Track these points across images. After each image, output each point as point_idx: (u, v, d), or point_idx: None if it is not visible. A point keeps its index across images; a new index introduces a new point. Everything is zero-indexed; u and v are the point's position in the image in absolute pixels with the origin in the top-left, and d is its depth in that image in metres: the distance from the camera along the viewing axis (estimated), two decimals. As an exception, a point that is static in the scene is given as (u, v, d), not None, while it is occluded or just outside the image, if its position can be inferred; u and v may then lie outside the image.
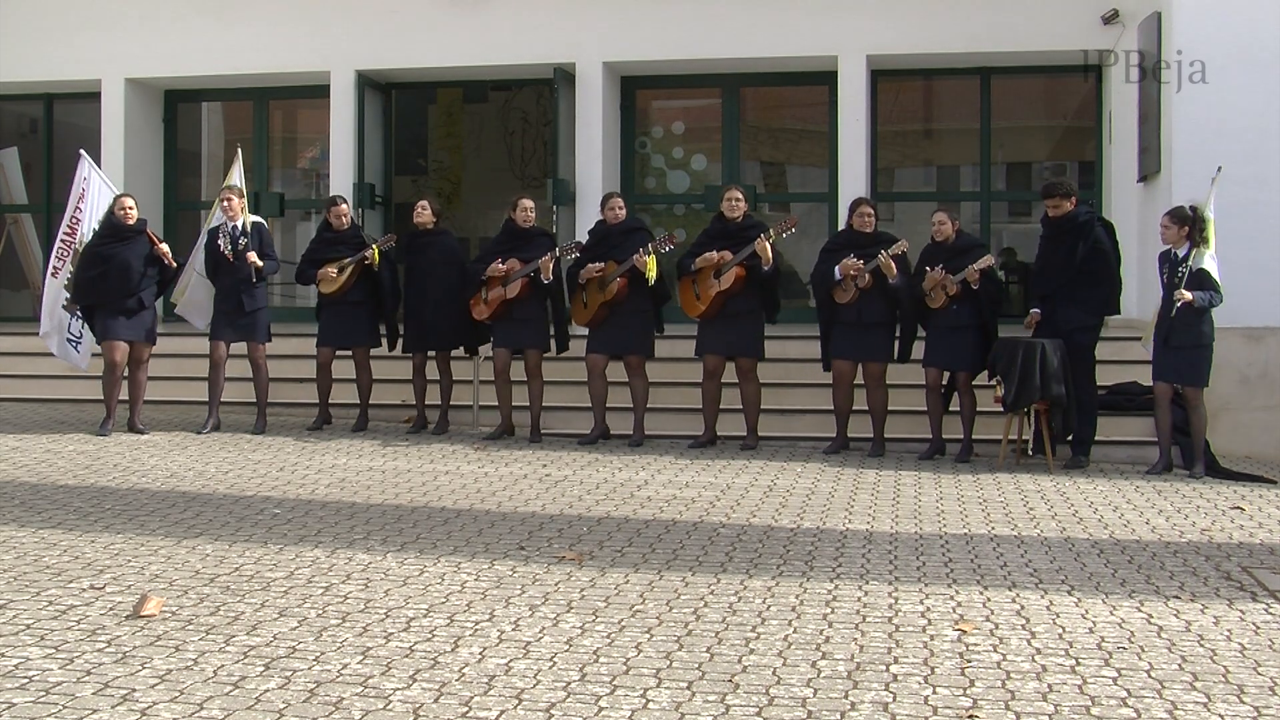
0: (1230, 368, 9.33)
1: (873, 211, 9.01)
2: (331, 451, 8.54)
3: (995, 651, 4.28)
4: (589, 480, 7.58)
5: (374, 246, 9.49)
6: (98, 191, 9.97)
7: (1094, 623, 4.65)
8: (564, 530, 6.15)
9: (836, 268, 8.74)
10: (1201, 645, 4.40)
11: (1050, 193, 8.59)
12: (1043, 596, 5.03)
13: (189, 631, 4.36)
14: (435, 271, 9.43)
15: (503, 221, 9.70)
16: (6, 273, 14.21)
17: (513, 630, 4.44)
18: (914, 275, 8.85)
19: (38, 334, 10.22)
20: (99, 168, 10.66)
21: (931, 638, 4.42)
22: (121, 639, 4.26)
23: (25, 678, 3.86)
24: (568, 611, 4.69)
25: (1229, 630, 4.59)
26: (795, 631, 4.47)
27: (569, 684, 3.88)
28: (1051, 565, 5.59)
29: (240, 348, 9.46)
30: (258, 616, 4.56)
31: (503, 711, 3.64)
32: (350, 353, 9.63)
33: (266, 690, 3.78)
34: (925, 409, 8.83)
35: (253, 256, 9.27)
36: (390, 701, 3.71)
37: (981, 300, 8.61)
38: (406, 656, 4.13)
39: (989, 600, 4.96)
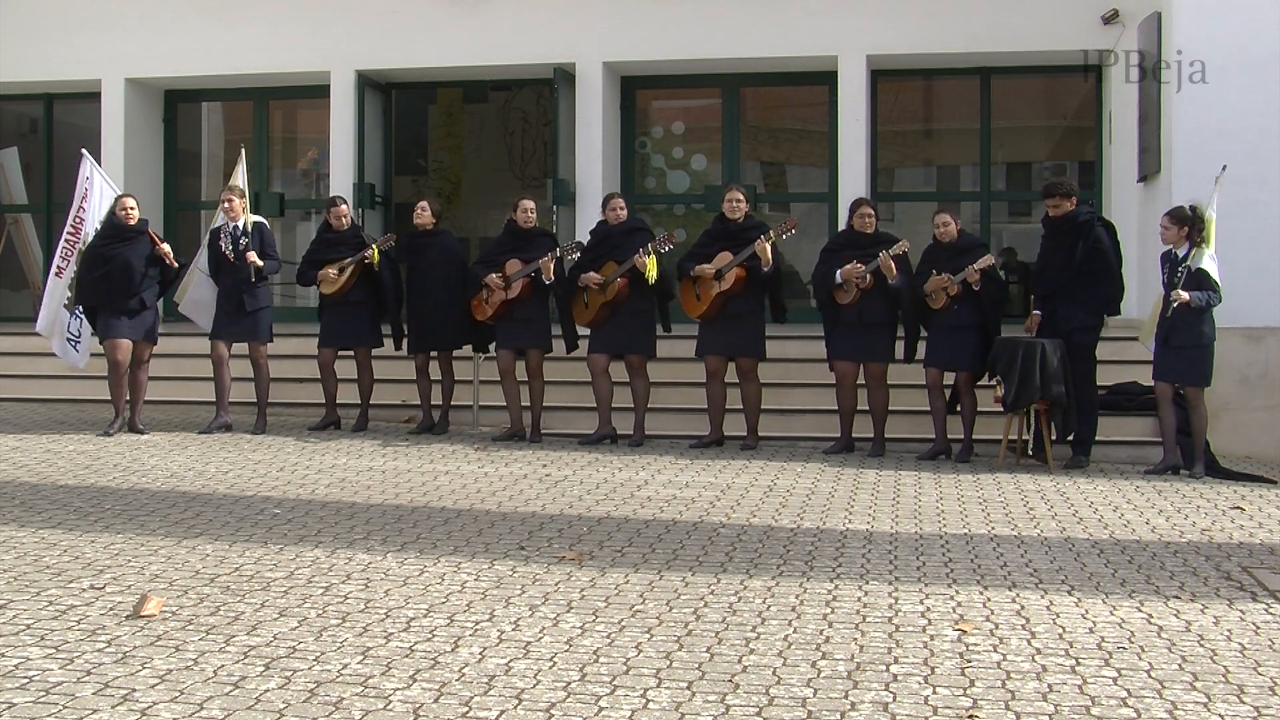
0: (1230, 368, 9.34)
1: (873, 212, 9.01)
2: (331, 451, 8.54)
3: (995, 651, 4.28)
4: (589, 480, 7.58)
5: (374, 246, 9.49)
6: (100, 191, 9.98)
7: (1094, 623, 4.65)
8: (564, 530, 6.15)
9: (839, 272, 8.73)
10: (1201, 645, 4.40)
11: (1051, 192, 8.60)
12: (1043, 596, 5.03)
13: (189, 631, 4.36)
14: (436, 272, 9.43)
15: (504, 222, 9.70)
16: (6, 273, 14.22)
17: (513, 630, 4.44)
18: (915, 275, 8.85)
19: (37, 330, 10.20)
20: (100, 167, 10.66)
21: (931, 638, 4.42)
22: (121, 639, 4.26)
23: (25, 678, 3.86)
24: (568, 611, 4.69)
25: (1229, 630, 4.59)
26: (795, 631, 4.47)
27: (569, 684, 3.88)
28: (1051, 565, 5.59)
29: (242, 347, 9.46)
30: (258, 616, 4.56)
31: (503, 711, 3.64)
32: (351, 353, 9.63)
33: (266, 690, 3.78)
34: (926, 409, 8.83)
35: (253, 256, 9.28)
36: (390, 701, 3.71)
37: (982, 300, 8.62)
38: (406, 656, 4.13)
39: (989, 600, 4.96)
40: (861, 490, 7.43)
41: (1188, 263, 8.26)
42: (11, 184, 13.99)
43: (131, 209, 9.28)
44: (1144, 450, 8.86)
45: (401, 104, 13.69)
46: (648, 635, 4.40)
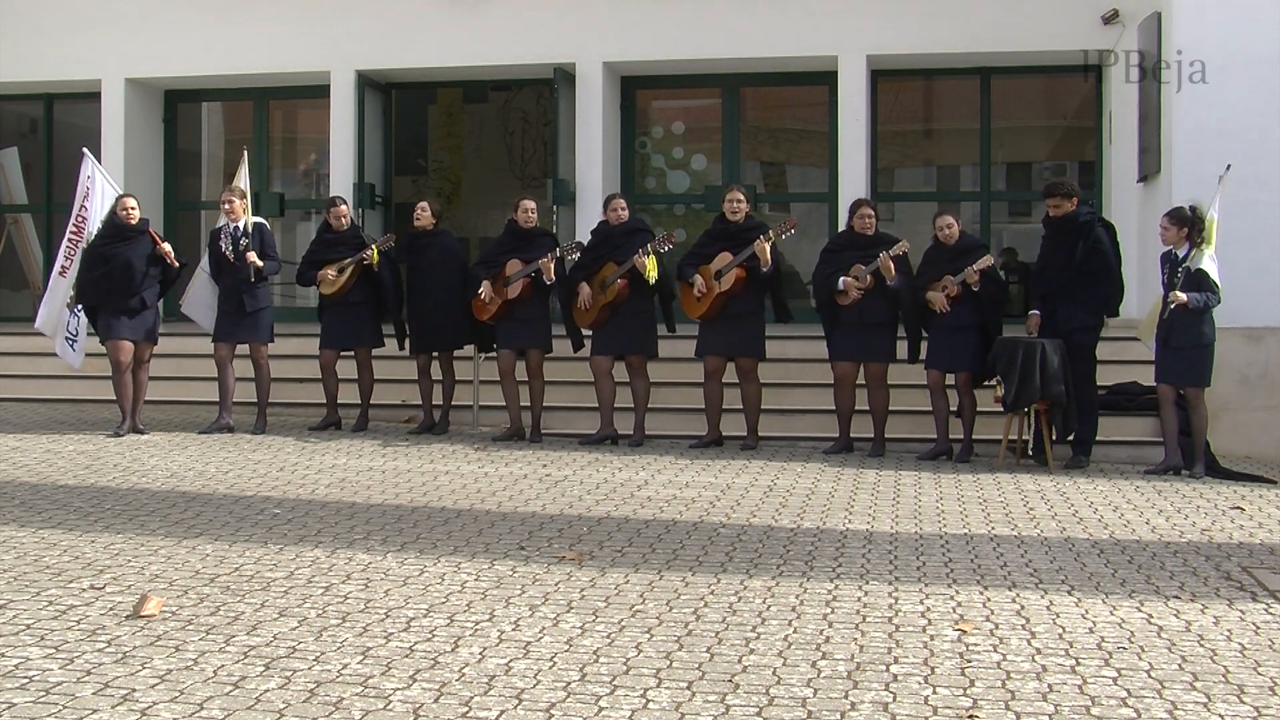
0: (1230, 368, 9.34)
1: (873, 213, 9.01)
2: (331, 451, 8.54)
3: (995, 651, 4.28)
4: (589, 480, 7.58)
5: (373, 247, 9.49)
6: (102, 190, 9.98)
7: (1094, 623, 4.65)
8: (564, 530, 6.15)
9: (842, 281, 8.72)
10: (1201, 645, 4.40)
11: (1051, 192, 8.60)
12: (1043, 596, 5.03)
13: (189, 631, 4.36)
14: (436, 272, 9.43)
15: (505, 222, 9.69)
16: (6, 273, 14.22)
17: (513, 630, 4.44)
18: (917, 277, 8.85)
19: (36, 328, 10.19)
20: (101, 166, 10.66)
21: (931, 638, 4.42)
22: (121, 639, 4.26)
23: (25, 678, 3.86)
24: (568, 611, 4.69)
25: (1229, 630, 4.59)
26: (795, 631, 4.47)
27: (569, 684, 3.88)
28: (1051, 565, 5.59)
29: (243, 348, 9.46)
30: (258, 616, 4.56)
31: (503, 711, 3.64)
32: (352, 353, 9.63)
33: (266, 690, 3.78)
34: (926, 409, 8.83)
35: (252, 257, 9.27)
36: (390, 701, 3.71)
37: (982, 301, 8.62)
38: (406, 656, 4.13)
39: (989, 600, 4.96)
40: (861, 490, 7.43)
41: (1187, 263, 8.25)
42: (11, 184, 13.99)
43: (132, 209, 9.29)
44: (1144, 450, 8.87)
45: (401, 104, 13.69)
46: (648, 635, 4.40)
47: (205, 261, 9.80)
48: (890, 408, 8.97)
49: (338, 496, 6.96)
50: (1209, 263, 8.27)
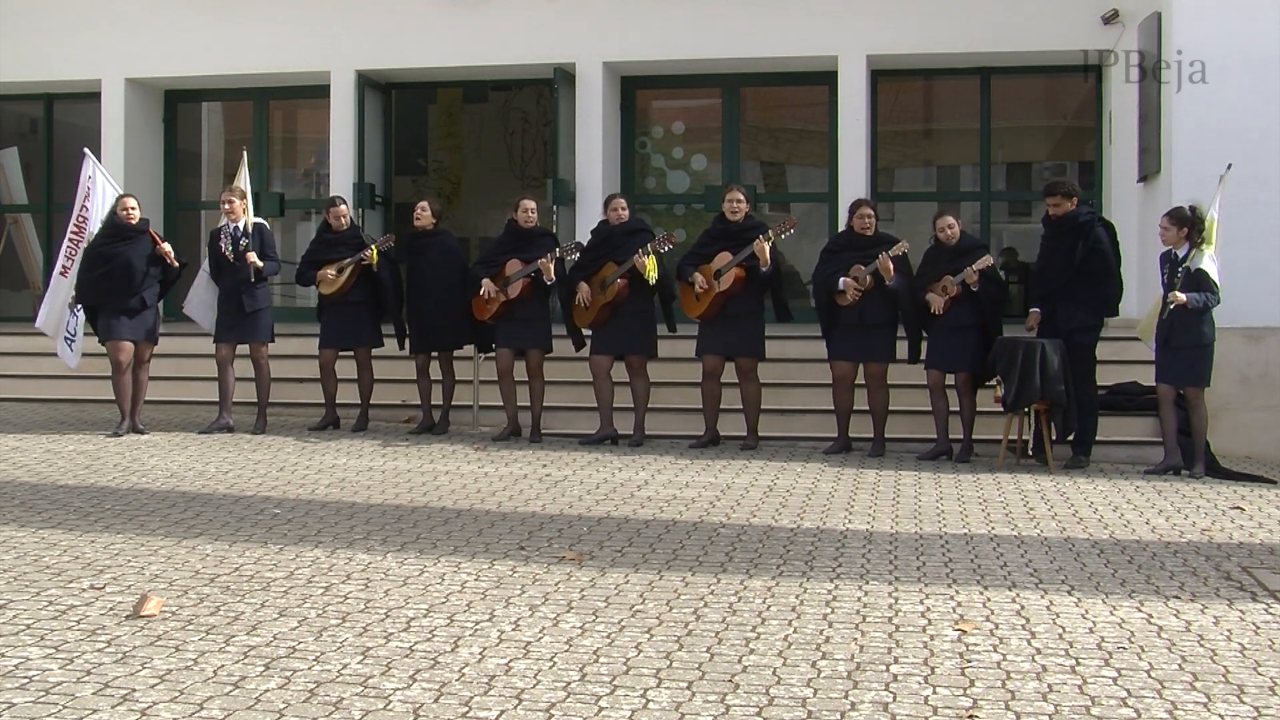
0: (1230, 368, 9.34)
1: (873, 213, 9.01)
2: (331, 451, 8.54)
3: (995, 651, 4.28)
4: (589, 480, 7.58)
5: (372, 247, 9.49)
6: (103, 190, 9.98)
7: (1094, 623, 4.65)
8: (564, 530, 6.15)
9: (842, 281, 8.72)
10: (1201, 645, 4.40)
11: (1052, 191, 8.59)
12: (1043, 596, 5.03)
13: (189, 631, 4.36)
14: (436, 272, 9.43)
15: (505, 222, 9.69)
16: (6, 273, 14.22)
17: (513, 630, 4.44)
18: (916, 277, 8.85)
19: (37, 327, 10.20)
20: (102, 166, 10.66)
21: (931, 638, 4.42)
22: (121, 639, 4.26)
23: (25, 678, 3.86)
24: (568, 611, 4.69)
25: (1229, 630, 4.59)
26: (795, 631, 4.47)
27: (569, 684, 3.88)
28: (1051, 565, 5.59)
29: (243, 348, 9.46)
30: (258, 616, 4.56)
31: (503, 711, 3.64)
32: (351, 353, 9.63)
33: (266, 690, 3.78)
34: (926, 409, 8.83)
35: (252, 257, 9.28)
36: (390, 701, 3.71)
37: (982, 301, 8.62)
38: (406, 656, 4.13)
39: (989, 600, 4.96)
40: (861, 490, 7.43)
41: (1187, 263, 8.25)
42: (11, 184, 13.99)
43: (132, 209, 9.29)
44: (1144, 450, 8.87)
45: (401, 104, 13.69)
46: (648, 635, 4.40)
47: (207, 263, 9.81)
48: (890, 408, 8.97)
49: (338, 496, 6.96)
50: (1209, 263, 8.27)
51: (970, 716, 3.65)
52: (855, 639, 4.38)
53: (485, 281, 9.09)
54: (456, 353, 9.56)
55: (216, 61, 12.50)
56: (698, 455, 8.63)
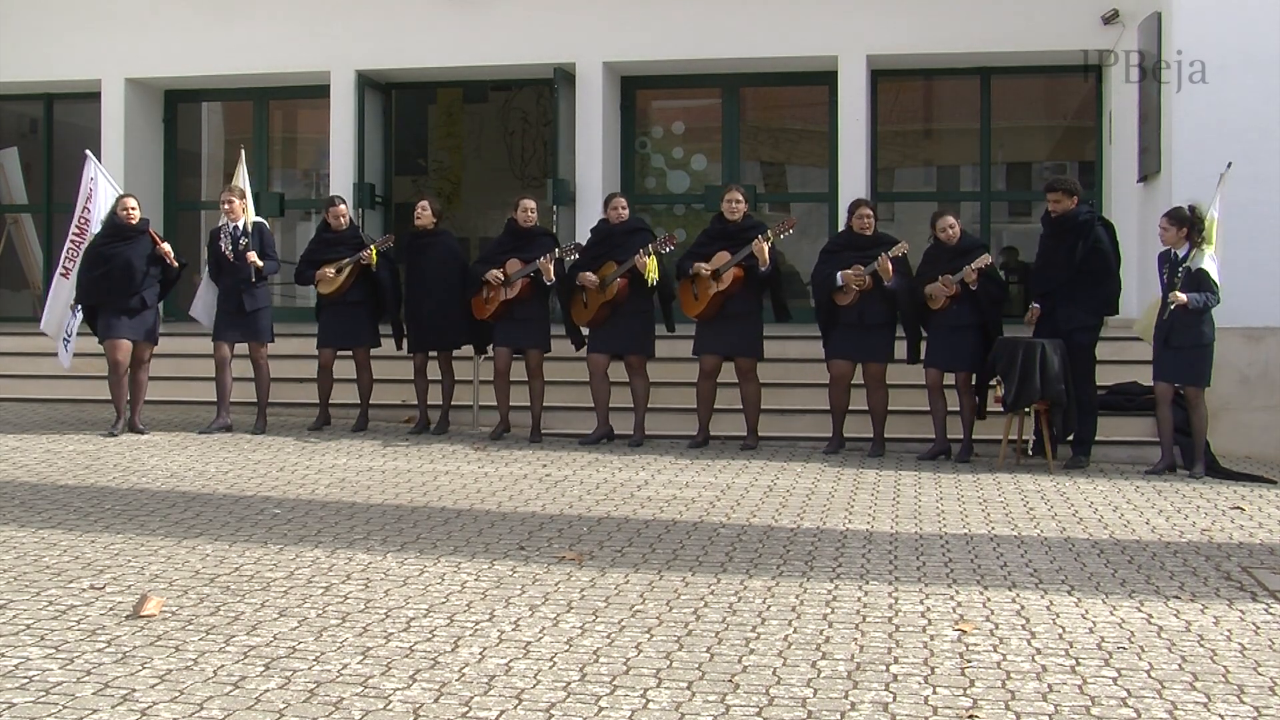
0: (1230, 368, 9.34)
1: (872, 213, 9.01)
2: (331, 451, 8.54)
3: (995, 651, 4.28)
4: (589, 480, 7.58)
5: (372, 247, 9.49)
6: (104, 192, 9.98)
7: (1094, 623, 4.65)
8: (564, 530, 6.15)
9: (840, 275, 8.72)
10: (1201, 645, 4.40)
11: (1053, 187, 8.58)
12: (1043, 596, 5.04)
13: (189, 631, 4.36)
14: (436, 272, 9.43)
15: (504, 222, 9.69)
16: (6, 273, 14.22)
17: (513, 630, 4.44)
18: (916, 277, 8.85)
19: (39, 329, 10.21)
20: (103, 167, 10.66)
21: (931, 638, 4.42)
22: (121, 639, 4.26)
23: (25, 678, 3.86)
24: (568, 611, 4.69)
25: (1229, 630, 4.59)
26: (795, 631, 4.47)
27: (569, 684, 3.88)
28: (1051, 565, 5.59)
29: (242, 347, 9.46)
30: (258, 616, 4.56)
31: (503, 711, 3.64)
32: (350, 353, 9.63)
33: (266, 690, 3.78)
34: (925, 409, 8.83)
35: (253, 256, 9.28)
36: (390, 701, 3.71)
37: (981, 300, 8.61)
38: (406, 656, 4.13)
39: (989, 600, 4.96)
40: (861, 490, 7.43)
41: (1188, 263, 8.25)
42: (11, 184, 13.99)
43: (132, 209, 9.29)
44: (1144, 450, 8.86)
45: (401, 104, 13.68)
46: (648, 635, 4.40)
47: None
48: (890, 408, 8.96)
49: (338, 496, 6.96)
50: (1209, 262, 8.27)
51: (970, 716, 3.65)
52: (855, 639, 4.38)
53: (492, 272, 9.07)
54: (455, 352, 9.56)
55: (216, 61, 12.50)
56: (698, 455, 8.63)
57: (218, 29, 12.41)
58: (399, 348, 9.71)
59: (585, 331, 9.23)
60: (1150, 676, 4.04)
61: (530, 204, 9.36)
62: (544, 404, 9.34)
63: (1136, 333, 9.33)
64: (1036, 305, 8.63)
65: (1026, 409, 8.44)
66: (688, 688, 3.86)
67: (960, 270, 8.51)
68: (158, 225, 11.94)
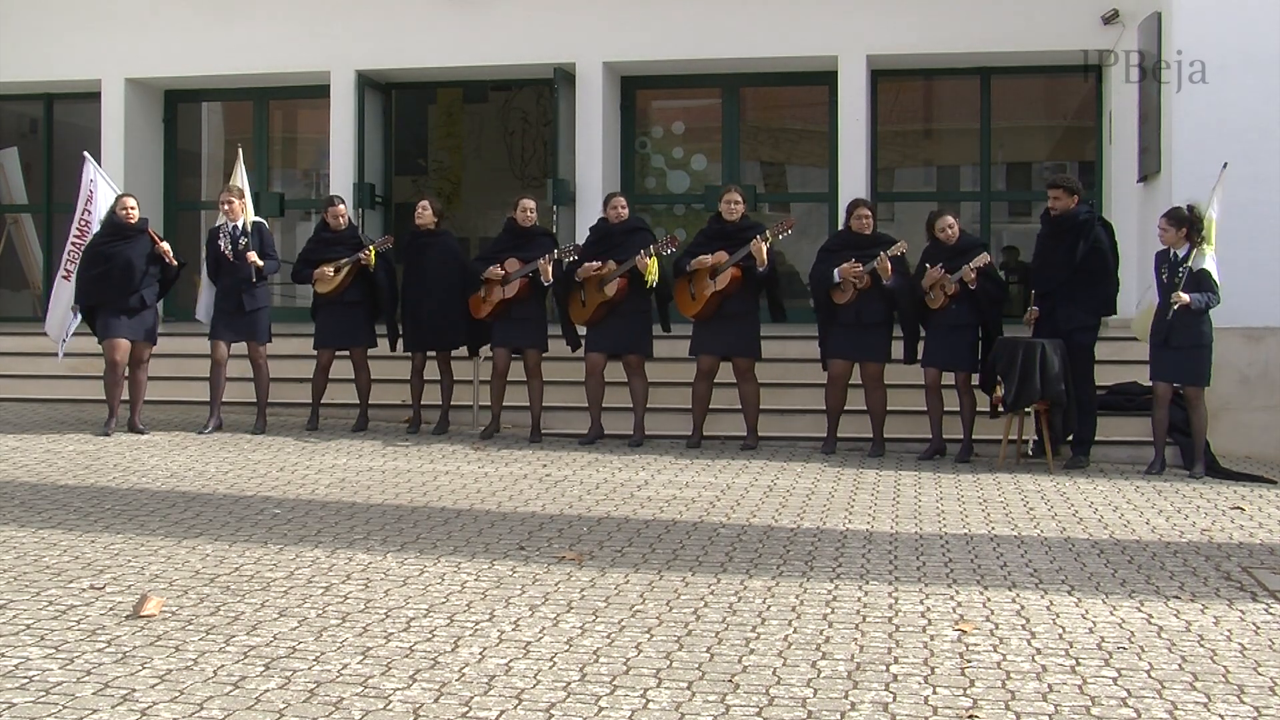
0: (1230, 368, 9.33)
1: (870, 213, 9.01)
2: (331, 451, 8.54)
3: (995, 651, 4.28)
4: (589, 480, 7.58)
5: (371, 248, 9.48)
6: (104, 193, 9.99)
7: (1094, 623, 4.65)
8: (564, 530, 6.15)
9: (836, 271, 8.73)
10: (1201, 645, 4.40)
11: (1055, 184, 8.57)
12: (1043, 596, 5.04)
13: (189, 631, 4.36)
14: (436, 272, 9.43)
15: (504, 221, 9.69)
16: (6, 273, 14.21)
17: (513, 630, 4.44)
18: (914, 276, 8.85)
19: (43, 330, 10.22)
20: (102, 170, 10.67)
21: (931, 638, 4.42)
22: (121, 639, 4.26)
23: (25, 678, 3.86)
24: (568, 611, 4.69)
25: (1229, 630, 4.59)
26: (795, 631, 4.47)
27: (569, 684, 3.88)
28: (1051, 565, 5.59)
29: (241, 348, 9.46)
30: (258, 616, 4.56)
31: (503, 711, 3.64)
32: (347, 353, 9.63)
33: (266, 690, 3.78)
34: (925, 409, 8.82)
35: (253, 256, 9.28)
36: (390, 701, 3.71)
37: (980, 300, 8.61)
38: (406, 656, 4.13)
39: (989, 600, 4.96)
40: (861, 490, 7.43)
41: (1188, 263, 8.24)
42: (11, 184, 13.99)
43: (132, 208, 9.29)
44: (1144, 450, 8.85)
45: (401, 104, 13.68)
46: (648, 635, 4.40)
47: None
48: (889, 408, 8.96)
49: (338, 496, 6.96)
50: (1210, 263, 8.27)
51: (970, 716, 3.65)
52: (855, 639, 4.38)
53: (494, 268, 9.07)
54: (454, 352, 9.57)
55: (216, 61, 12.49)
56: (697, 455, 8.64)
57: (218, 29, 12.41)
58: (392, 349, 9.71)
59: (582, 331, 9.23)
60: (1150, 676, 4.04)
61: (530, 204, 9.36)
62: (543, 404, 9.34)
63: (1133, 332, 9.33)
64: (1035, 308, 8.61)
65: (1027, 409, 8.44)
66: (688, 688, 3.86)
67: (959, 270, 8.51)
68: (158, 225, 11.95)
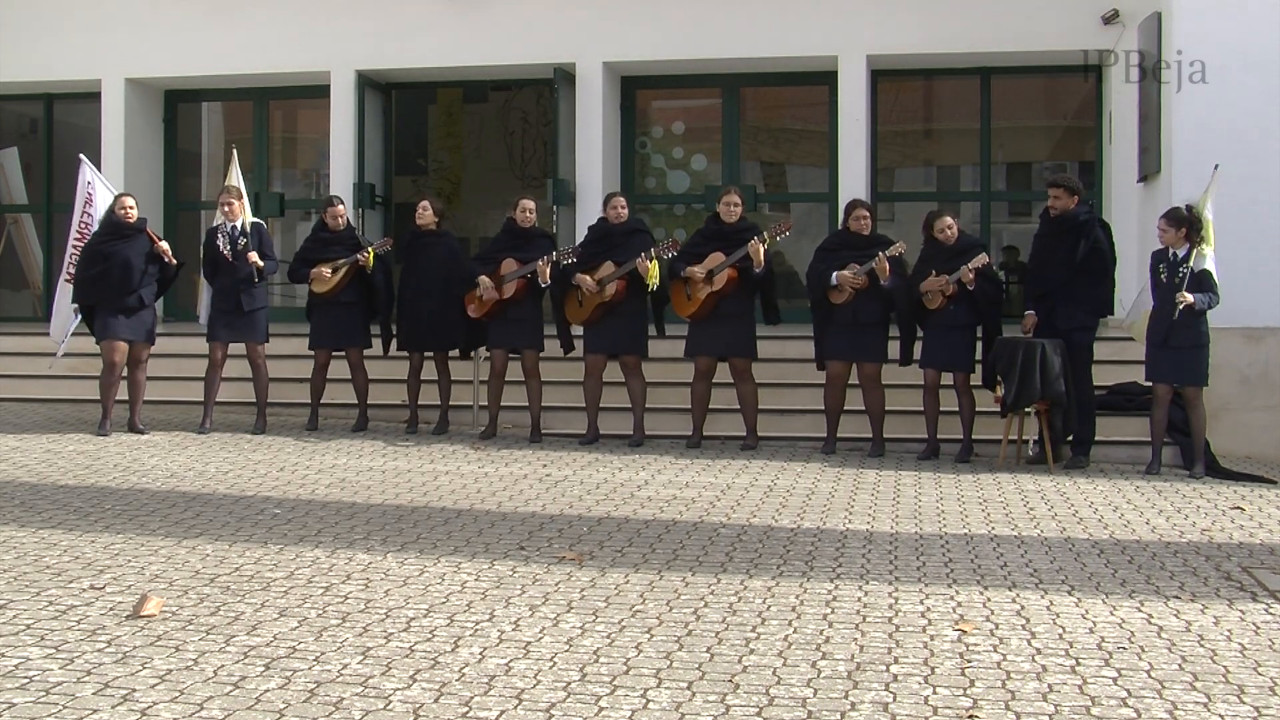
0: (1230, 368, 9.34)
1: (868, 214, 9.00)
2: (331, 451, 8.54)
3: (995, 651, 4.28)
4: (589, 480, 7.58)
5: (370, 250, 9.47)
6: (102, 195, 9.99)
7: (1094, 623, 4.65)
8: (564, 530, 6.15)
9: (835, 275, 8.71)
10: (1201, 645, 4.40)
11: (1056, 183, 8.56)
12: (1043, 596, 5.04)
13: (189, 631, 4.36)
14: (435, 272, 9.42)
15: (503, 221, 9.69)
16: (6, 273, 14.22)
17: (513, 630, 4.44)
18: (912, 276, 8.85)
19: (48, 333, 10.22)
20: (99, 172, 10.66)
21: (931, 638, 4.42)
22: (121, 639, 4.26)
23: (25, 678, 3.86)
24: (568, 611, 4.69)
25: (1229, 630, 4.59)
26: (795, 631, 4.47)
27: (569, 684, 3.88)
28: (1051, 565, 5.59)
29: (239, 348, 9.46)
30: (258, 616, 4.56)
31: (503, 711, 3.64)
32: (343, 353, 9.62)
33: (266, 690, 3.78)
34: (923, 409, 8.82)
35: (254, 256, 9.27)
36: (390, 701, 3.71)
37: (978, 300, 8.61)
38: (406, 656, 4.13)
39: (989, 600, 4.96)
40: (861, 490, 7.43)
41: (1189, 264, 8.24)
42: (11, 184, 13.99)
43: (130, 208, 9.29)
44: (1144, 450, 8.85)
45: (401, 104, 13.68)
46: (648, 635, 4.40)
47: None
48: (889, 408, 8.96)
49: (338, 496, 6.96)
50: (1210, 263, 8.27)
51: (970, 716, 3.65)
52: (855, 639, 4.38)
53: (483, 279, 9.08)
54: (452, 353, 9.56)
55: (216, 61, 12.50)
56: (697, 455, 8.64)
57: (218, 29, 12.41)
58: (385, 351, 9.70)
59: (579, 332, 9.22)
60: (1150, 676, 4.04)
61: (530, 204, 9.36)
62: (542, 404, 9.34)
63: (1130, 333, 9.32)
64: (1031, 313, 8.58)
65: (1027, 409, 8.43)
66: (688, 688, 3.86)
67: (957, 270, 8.51)
68: (158, 225, 11.96)
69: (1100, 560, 5.72)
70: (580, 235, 10.77)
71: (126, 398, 9.32)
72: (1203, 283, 8.19)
